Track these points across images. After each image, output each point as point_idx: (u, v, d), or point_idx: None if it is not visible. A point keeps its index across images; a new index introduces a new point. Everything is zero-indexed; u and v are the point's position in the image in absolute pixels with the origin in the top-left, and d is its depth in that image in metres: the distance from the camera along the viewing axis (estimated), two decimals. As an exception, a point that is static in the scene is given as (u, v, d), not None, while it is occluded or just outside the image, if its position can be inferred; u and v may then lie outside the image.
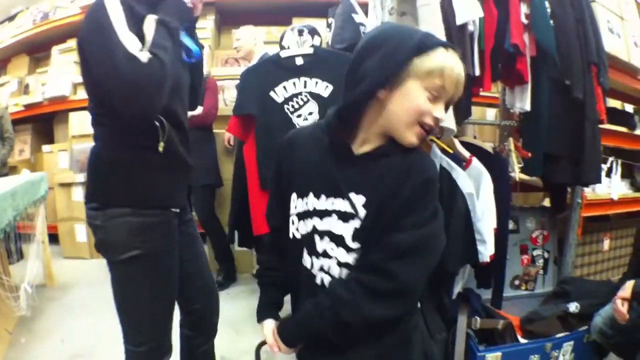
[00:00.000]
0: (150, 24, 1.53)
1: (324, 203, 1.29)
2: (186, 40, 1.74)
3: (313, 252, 1.33)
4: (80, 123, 5.37)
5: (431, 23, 2.03)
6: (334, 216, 1.27)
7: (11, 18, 7.39)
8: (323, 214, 1.29)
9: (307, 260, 1.35)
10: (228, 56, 5.92)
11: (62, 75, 5.89)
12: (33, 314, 3.67)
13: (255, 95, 2.71)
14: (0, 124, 5.22)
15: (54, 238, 5.18)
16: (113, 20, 1.45)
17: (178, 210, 1.80)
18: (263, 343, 1.45)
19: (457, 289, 2.65)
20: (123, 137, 1.62)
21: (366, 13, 2.87)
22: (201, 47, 1.85)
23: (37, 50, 6.95)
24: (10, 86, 6.55)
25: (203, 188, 4.10)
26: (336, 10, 3.42)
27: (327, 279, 1.31)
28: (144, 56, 1.44)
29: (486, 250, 2.26)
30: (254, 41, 3.98)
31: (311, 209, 1.32)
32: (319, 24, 4.13)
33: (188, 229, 1.94)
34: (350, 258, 1.27)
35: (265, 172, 2.66)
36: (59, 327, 3.67)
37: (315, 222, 1.31)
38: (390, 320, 1.25)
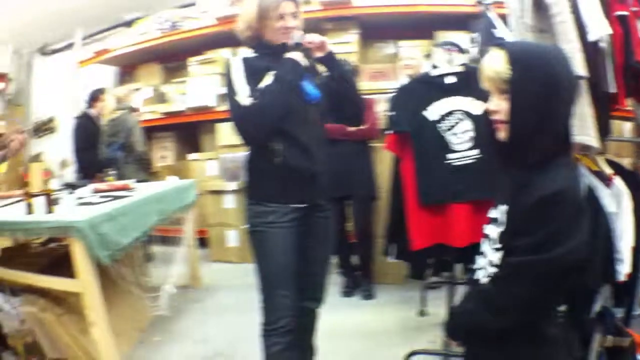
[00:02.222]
0: (269, 77, 2.21)
1: (493, 212, 1.62)
2: (307, 86, 2.33)
3: (479, 253, 1.66)
4: (228, 133, 5.57)
5: (568, 40, 2.10)
6: (493, 223, 1.59)
7: (127, 24, 7.83)
8: (491, 220, 1.61)
9: (476, 259, 1.67)
10: (375, 70, 5.98)
11: (203, 86, 6.21)
12: (173, 314, 3.98)
13: (409, 113, 2.83)
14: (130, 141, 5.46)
15: (203, 242, 5.60)
16: (234, 74, 2.25)
17: (301, 206, 2.38)
18: (412, 354, 1.58)
19: (596, 307, 2.62)
20: (255, 153, 2.41)
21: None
22: (320, 90, 2.41)
23: (168, 59, 7.36)
24: (143, 93, 6.97)
25: (360, 199, 4.31)
26: (477, 25, 3.46)
27: (480, 276, 1.61)
28: (248, 102, 2.17)
29: (623, 269, 2.26)
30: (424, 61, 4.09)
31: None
32: (461, 37, 4.18)
33: (317, 221, 2.50)
34: (495, 257, 1.53)
35: (423, 188, 2.82)
36: (198, 328, 3.94)
37: (486, 227, 1.64)
38: (507, 330, 1.47)
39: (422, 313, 3.87)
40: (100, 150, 5.49)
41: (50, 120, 2.61)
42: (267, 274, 2.39)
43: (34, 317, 3.39)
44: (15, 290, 3.60)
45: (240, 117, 2.22)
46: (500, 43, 1.49)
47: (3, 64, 8.32)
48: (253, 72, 2.24)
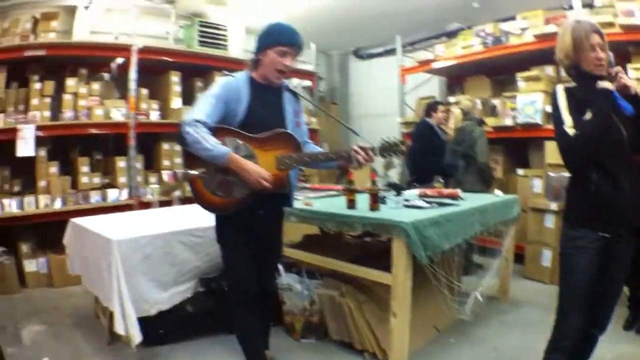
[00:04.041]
0: (588, 115, 2.46)
1: None
2: (621, 101, 2.48)
3: None
4: (556, 152, 5.74)
5: None
6: None
7: (448, 34, 8.44)
8: None
9: None
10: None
11: (531, 102, 6.45)
12: (474, 321, 4.37)
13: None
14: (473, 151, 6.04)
15: (518, 257, 5.84)
16: (559, 102, 2.60)
17: (607, 235, 2.58)
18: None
19: None
20: (574, 179, 2.72)
21: None
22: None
23: (495, 72, 7.79)
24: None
25: None
26: None
27: None
28: (572, 132, 2.49)
29: None
30: None
31: None
32: None
33: (617, 250, 2.64)
34: None
35: None
36: (492, 338, 4.30)
37: None
38: None
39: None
40: (436, 158, 6.21)
41: (402, 142, 2.92)
42: (566, 294, 2.70)
43: (330, 300, 4.07)
44: (312, 273, 4.31)
45: (565, 145, 2.59)
46: None
47: (308, 62, 9.48)
48: (574, 103, 2.57)
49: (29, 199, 6.16)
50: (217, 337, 4.27)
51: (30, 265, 6.13)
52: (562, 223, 2.80)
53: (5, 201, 5.99)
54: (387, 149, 3.13)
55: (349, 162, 3.11)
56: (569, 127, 2.51)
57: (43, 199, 6.24)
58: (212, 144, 2.84)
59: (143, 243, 3.88)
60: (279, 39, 3.02)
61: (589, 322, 2.69)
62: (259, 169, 2.92)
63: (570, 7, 6.29)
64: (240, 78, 3.11)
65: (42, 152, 6.33)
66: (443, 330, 4.37)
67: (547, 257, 5.91)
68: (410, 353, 3.68)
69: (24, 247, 6.24)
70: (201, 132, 2.85)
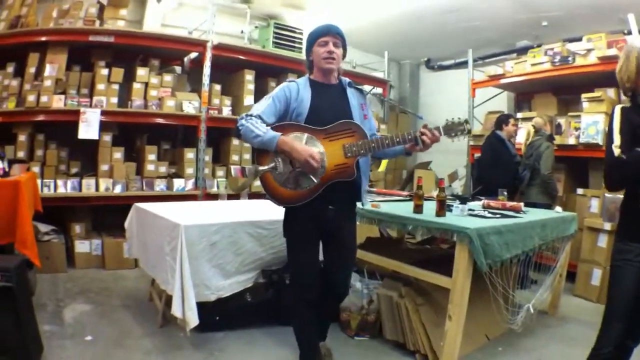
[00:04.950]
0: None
1: None
2: None
3: None
4: None
5: None
6: None
7: (518, 51, 8.70)
8: None
9: None
10: None
11: (593, 123, 6.64)
12: (523, 333, 4.54)
13: None
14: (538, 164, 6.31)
15: (569, 275, 5.91)
16: (614, 122, 2.71)
17: None
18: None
19: None
20: (626, 196, 2.82)
21: None
22: None
23: (562, 91, 7.98)
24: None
25: None
26: None
27: None
28: (617, 152, 2.60)
29: None
30: None
31: None
32: None
33: None
34: None
35: None
36: (538, 349, 4.43)
37: None
38: None
39: None
40: (503, 171, 6.50)
41: (466, 122, 3.01)
42: (610, 304, 2.84)
43: (389, 300, 4.26)
44: (372, 273, 4.57)
45: (608, 162, 2.70)
46: None
47: (380, 70, 9.98)
48: (627, 124, 2.69)
49: (88, 182, 6.50)
50: (270, 328, 4.49)
51: (82, 246, 6.43)
52: (615, 237, 2.91)
53: (60, 182, 6.33)
54: (452, 129, 3.30)
55: (416, 144, 3.27)
56: (615, 146, 2.63)
57: (104, 183, 6.55)
58: (262, 131, 3.11)
59: (211, 231, 4.07)
60: (315, 35, 3.35)
61: (626, 334, 2.80)
62: (309, 148, 3.09)
63: (629, 32, 6.52)
64: (300, 81, 3.42)
65: (107, 137, 6.66)
66: (493, 338, 4.54)
67: (597, 277, 6.10)
68: (459, 357, 3.82)
69: (77, 228, 6.55)
70: (253, 122, 3.16)
